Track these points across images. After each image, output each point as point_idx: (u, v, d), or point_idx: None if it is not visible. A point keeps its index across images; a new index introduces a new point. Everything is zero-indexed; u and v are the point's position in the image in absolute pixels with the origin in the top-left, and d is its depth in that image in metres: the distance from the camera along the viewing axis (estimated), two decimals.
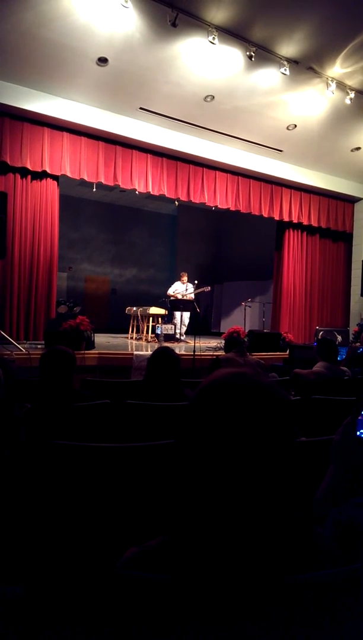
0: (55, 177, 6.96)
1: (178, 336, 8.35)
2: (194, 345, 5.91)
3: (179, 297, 8.53)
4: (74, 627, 0.53)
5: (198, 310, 7.54)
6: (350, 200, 10.12)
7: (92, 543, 1.42)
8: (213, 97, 6.65)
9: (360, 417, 1.07)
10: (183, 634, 0.53)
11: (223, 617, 0.54)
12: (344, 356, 4.28)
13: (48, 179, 6.89)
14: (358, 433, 1.06)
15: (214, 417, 0.62)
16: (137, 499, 1.58)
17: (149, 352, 4.17)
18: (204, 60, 5.88)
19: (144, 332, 8.46)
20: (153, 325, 8.42)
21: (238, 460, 0.59)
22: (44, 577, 0.55)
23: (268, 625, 0.55)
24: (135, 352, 5.80)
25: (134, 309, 8.94)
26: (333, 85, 6.47)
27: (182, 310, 8.31)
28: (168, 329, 8.16)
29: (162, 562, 0.63)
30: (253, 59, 5.77)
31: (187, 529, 0.62)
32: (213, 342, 7.84)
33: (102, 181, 7.17)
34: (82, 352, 5.51)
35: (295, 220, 9.32)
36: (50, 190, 6.94)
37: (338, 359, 3.77)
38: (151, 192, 7.69)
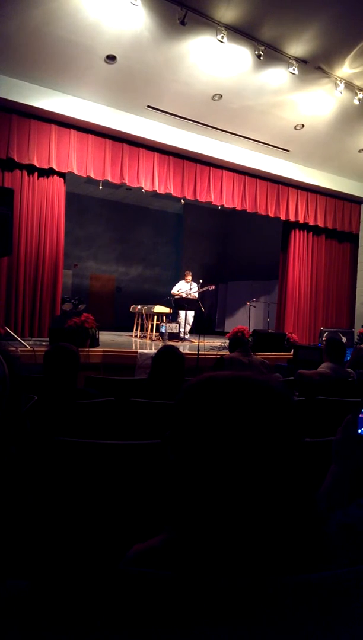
0: (62, 175, 6.96)
1: (182, 335, 8.35)
2: (199, 344, 5.91)
3: (184, 296, 8.53)
4: (79, 623, 0.53)
5: (202, 309, 7.53)
6: (357, 201, 10.08)
7: (96, 539, 1.42)
8: (221, 96, 6.63)
9: (361, 415, 1.06)
10: (186, 631, 0.53)
11: (227, 616, 0.54)
12: (349, 357, 4.26)
13: (55, 176, 6.90)
14: (359, 431, 1.05)
15: (218, 415, 0.62)
16: (141, 496, 1.58)
17: (153, 351, 4.18)
18: (212, 59, 5.86)
19: (149, 330, 8.46)
20: (157, 324, 8.42)
21: (239, 458, 0.59)
22: (49, 572, 0.55)
23: (272, 625, 0.55)
24: (139, 351, 5.80)
25: (139, 307, 8.94)
26: (342, 85, 6.44)
27: (186, 309, 8.30)
28: (172, 327, 8.16)
29: (166, 559, 0.63)
30: (261, 58, 5.75)
31: (189, 527, 0.62)
32: (217, 342, 7.84)
33: (109, 179, 7.18)
34: (87, 349, 5.52)
35: (301, 221, 9.29)
36: (56, 188, 6.95)
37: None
38: (158, 191, 7.69)
